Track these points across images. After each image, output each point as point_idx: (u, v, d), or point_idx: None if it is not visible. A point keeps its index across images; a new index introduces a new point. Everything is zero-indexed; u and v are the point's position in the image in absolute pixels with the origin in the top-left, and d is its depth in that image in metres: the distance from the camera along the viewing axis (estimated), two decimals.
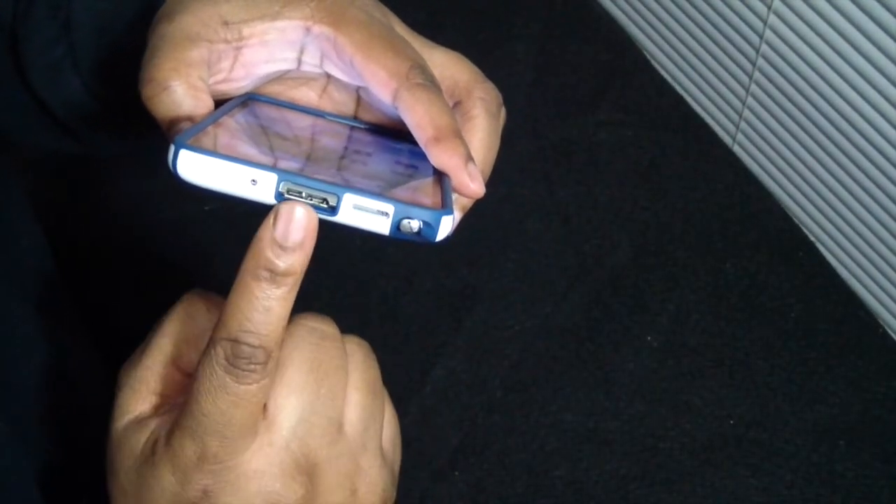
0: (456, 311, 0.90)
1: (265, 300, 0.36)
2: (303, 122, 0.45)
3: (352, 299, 0.90)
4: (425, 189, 0.39)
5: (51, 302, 0.61)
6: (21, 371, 0.56)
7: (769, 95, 0.97)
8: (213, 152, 0.36)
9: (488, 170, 0.45)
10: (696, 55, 1.05)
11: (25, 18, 0.51)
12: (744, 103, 1.01)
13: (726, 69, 1.01)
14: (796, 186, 1.00)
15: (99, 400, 0.44)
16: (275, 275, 0.36)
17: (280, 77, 0.47)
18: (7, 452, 0.52)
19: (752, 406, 0.85)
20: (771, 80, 0.96)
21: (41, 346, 0.58)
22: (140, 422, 0.40)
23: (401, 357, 0.87)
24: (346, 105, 0.48)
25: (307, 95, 0.47)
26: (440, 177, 0.41)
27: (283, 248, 0.36)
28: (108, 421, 0.41)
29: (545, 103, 1.02)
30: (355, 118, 0.48)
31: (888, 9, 0.81)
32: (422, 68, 0.42)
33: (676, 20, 1.05)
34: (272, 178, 0.36)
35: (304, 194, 0.36)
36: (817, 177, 0.97)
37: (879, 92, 0.86)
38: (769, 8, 0.92)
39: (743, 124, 1.03)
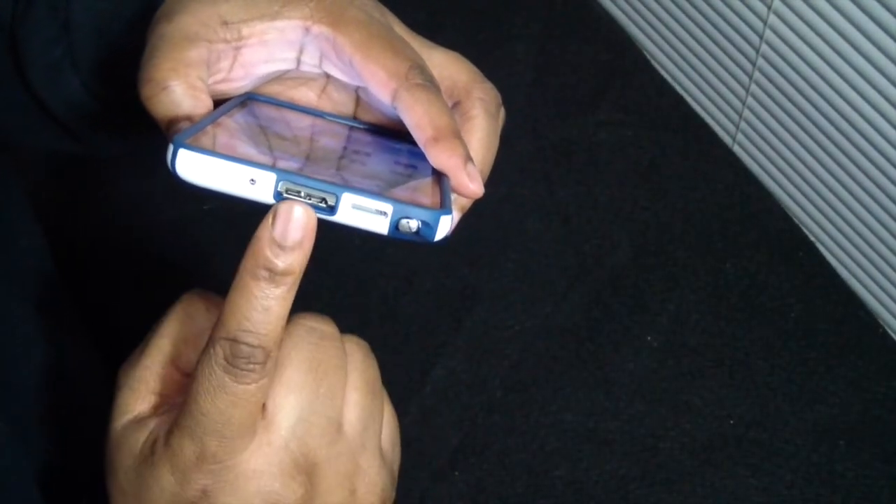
0: (456, 311, 0.90)
1: (264, 300, 0.36)
2: (302, 122, 0.45)
3: (352, 299, 0.90)
4: (424, 189, 0.39)
5: (50, 302, 0.62)
6: (21, 371, 0.56)
7: (769, 95, 0.97)
8: (212, 152, 0.36)
9: (487, 170, 0.45)
10: (696, 55, 1.05)
11: (25, 18, 0.51)
12: (744, 103, 1.01)
13: (726, 69, 1.01)
14: (796, 186, 1.00)
15: (98, 400, 0.44)
16: (274, 274, 0.36)
17: (279, 77, 0.47)
18: (7, 452, 0.52)
19: (752, 406, 0.85)
20: (771, 80, 0.96)
21: (41, 346, 0.58)
22: (139, 421, 0.40)
23: (401, 357, 0.87)
24: (345, 105, 0.48)
25: (306, 95, 0.47)
26: (439, 177, 0.41)
27: (281, 247, 0.36)
28: (107, 421, 0.41)
29: (545, 103, 1.02)
30: (354, 118, 0.48)
31: (888, 9, 0.81)
32: (421, 68, 0.42)
33: (676, 20, 1.05)
34: (271, 177, 0.36)
35: (302, 194, 0.36)
36: (817, 177, 0.97)
37: (879, 92, 0.86)
38: (769, 8, 0.92)
39: (743, 124, 1.03)
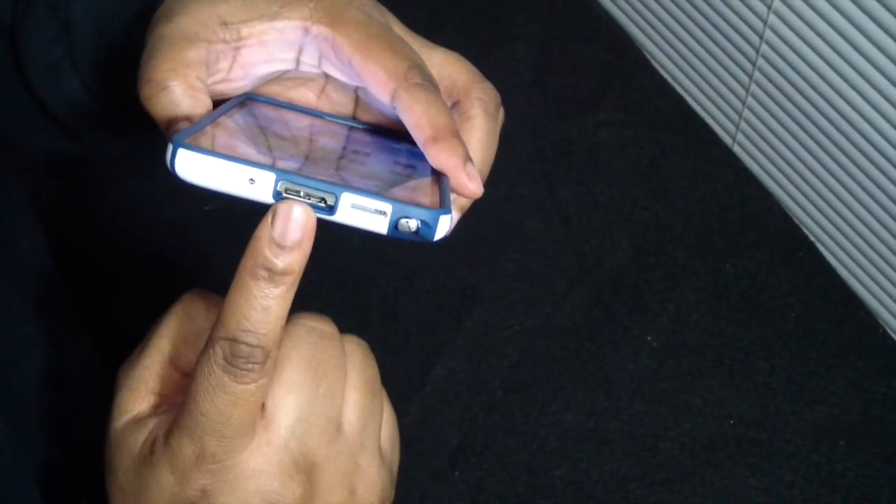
0: (456, 311, 0.90)
1: (263, 299, 0.36)
2: (301, 123, 0.45)
3: (351, 299, 0.90)
4: (423, 189, 0.39)
5: (50, 302, 0.62)
6: (21, 371, 0.56)
7: (769, 95, 0.97)
8: (211, 151, 0.36)
9: (487, 170, 0.45)
10: (696, 55, 1.05)
11: (25, 19, 0.51)
12: (744, 103, 1.01)
13: (726, 69, 1.01)
14: (796, 186, 1.00)
15: (98, 400, 0.44)
16: (273, 274, 0.36)
17: (278, 77, 0.47)
18: (7, 452, 0.52)
19: (752, 406, 0.85)
20: (771, 80, 0.96)
21: (40, 346, 0.58)
22: (139, 421, 0.40)
23: (401, 357, 0.87)
24: (344, 105, 0.48)
25: (305, 96, 0.47)
26: (438, 177, 0.41)
27: (281, 247, 0.36)
28: (106, 421, 0.41)
29: (545, 103, 1.02)
30: (353, 118, 0.48)
31: (888, 9, 0.81)
32: (420, 68, 0.42)
33: (676, 20, 1.05)
34: (270, 177, 0.36)
35: (302, 193, 0.36)
36: (817, 177, 0.97)
37: (879, 92, 0.86)
38: (769, 8, 0.92)
39: (743, 124, 1.03)
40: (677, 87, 1.06)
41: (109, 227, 0.93)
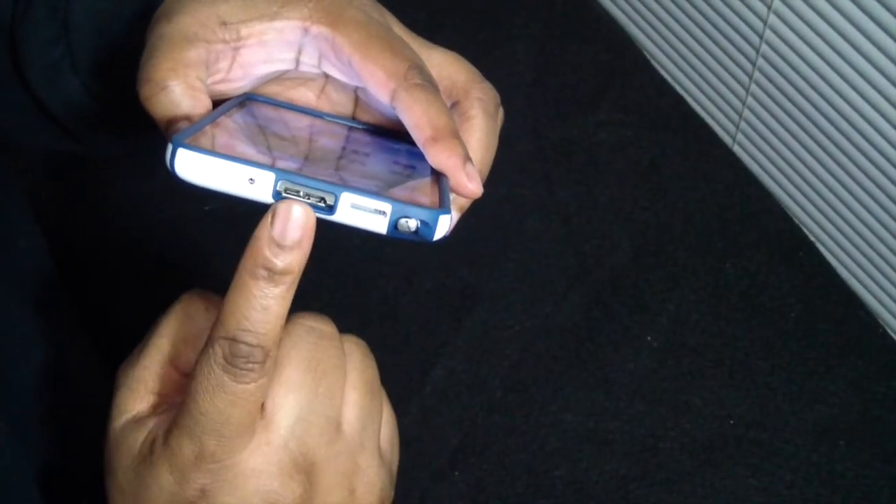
0: (456, 311, 0.90)
1: (263, 299, 0.36)
2: (301, 123, 0.45)
3: (351, 299, 0.90)
4: (423, 189, 0.39)
5: (49, 302, 0.62)
6: (20, 371, 0.57)
7: (769, 95, 0.97)
8: (211, 151, 0.36)
9: (486, 170, 0.45)
10: (696, 55, 1.05)
11: (24, 19, 0.51)
12: (744, 103, 1.01)
13: (726, 69, 1.01)
14: (796, 186, 1.00)
15: (98, 400, 0.44)
16: (273, 273, 0.36)
17: (278, 77, 0.47)
18: (7, 452, 0.52)
19: (752, 406, 0.85)
20: (771, 80, 0.96)
21: (40, 347, 0.58)
22: (138, 421, 0.40)
23: (401, 357, 0.87)
24: (344, 105, 0.48)
25: (305, 96, 0.47)
26: (438, 177, 0.41)
27: (280, 246, 0.36)
28: (106, 420, 0.41)
29: (545, 103, 1.02)
30: (353, 118, 0.48)
31: (888, 9, 0.81)
32: (420, 68, 0.42)
33: (676, 20, 1.05)
34: (270, 176, 0.36)
35: (301, 193, 0.36)
36: (817, 177, 0.97)
37: (879, 92, 0.86)
38: (769, 8, 0.92)
39: (743, 124, 1.03)
40: (677, 87, 1.06)
41: (109, 227, 0.93)
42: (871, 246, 0.95)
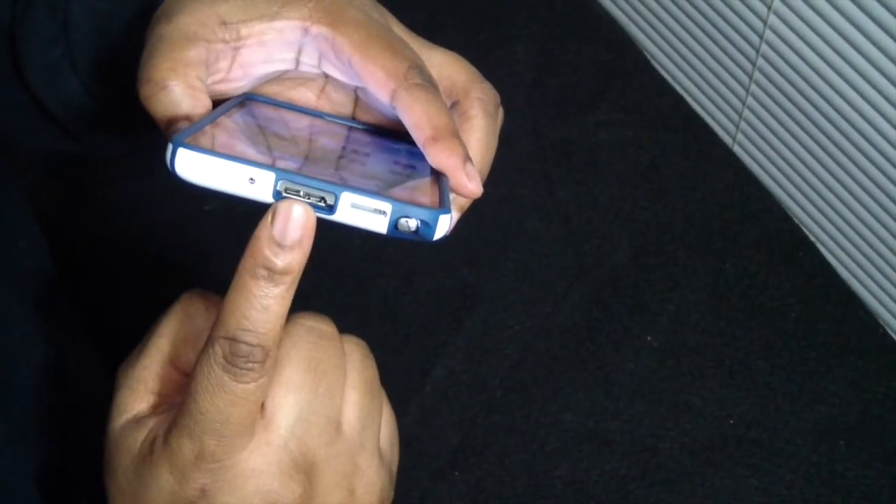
0: (456, 311, 0.90)
1: (263, 298, 0.36)
2: (301, 123, 0.45)
3: (351, 299, 0.90)
4: (423, 188, 0.39)
5: (49, 302, 0.61)
6: (20, 371, 0.56)
7: (769, 95, 0.97)
8: (211, 151, 0.36)
9: (486, 170, 0.45)
10: (696, 55, 1.05)
11: (24, 19, 0.51)
12: (744, 103, 1.01)
13: (726, 69, 1.01)
14: (796, 186, 1.00)
15: (97, 399, 0.44)
16: (273, 273, 0.36)
17: (278, 77, 0.47)
18: (6, 452, 0.52)
19: (752, 406, 0.85)
20: (771, 80, 0.96)
21: (40, 346, 0.58)
22: (138, 421, 0.40)
23: (401, 357, 0.87)
24: (343, 105, 0.48)
25: (305, 96, 0.47)
26: (438, 176, 0.41)
27: (281, 246, 0.36)
28: (106, 420, 0.41)
29: (545, 103, 1.02)
30: (353, 118, 0.48)
31: (888, 9, 0.81)
32: (420, 68, 0.42)
33: (676, 20, 1.05)
34: (270, 176, 0.36)
35: (302, 193, 0.36)
36: (817, 177, 0.97)
37: (879, 92, 0.86)
38: (769, 8, 0.92)
39: (743, 124, 1.03)
40: (677, 87, 1.06)
41: (109, 227, 0.93)
42: (871, 246, 0.95)
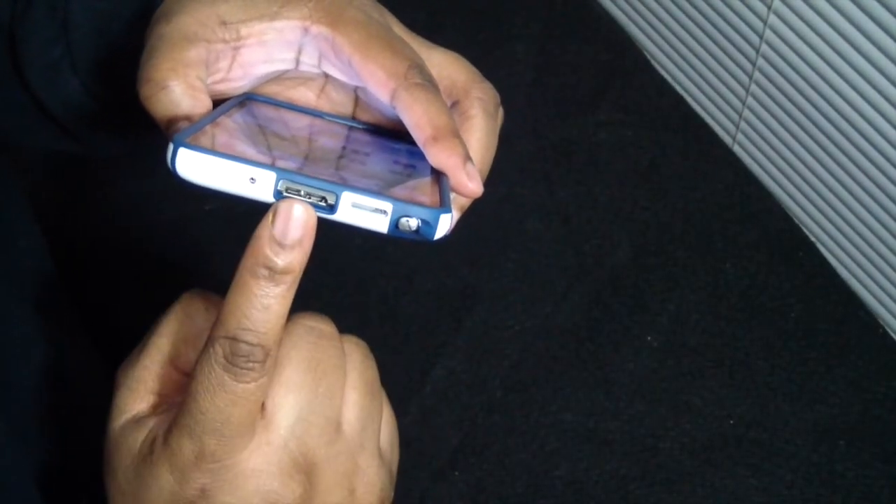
0: (456, 311, 0.90)
1: (264, 298, 0.36)
2: (301, 123, 0.45)
3: (351, 299, 0.90)
4: (423, 188, 0.39)
5: (49, 302, 0.61)
6: (20, 371, 0.56)
7: (769, 95, 0.97)
8: (211, 151, 0.36)
9: (486, 169, 0.45)
10: (696, 55, 1.05)
11: (24, 19, 0.51)
12: (744, 103, 1.01)
13: (726, 69, 1.01)
14: (796, 186, 1.00)
15: (97, 399, 0.44)
16: (273, 273, 0.36)
17: (278, 77, 0.47)
18: (6, 452, 0.52)
19: (752, 406, 0.85)
20: (771, 80, 0.96)
21: (40, 346, 0.58)
22: (138, 421, 0.40)
23: (401, 357, 0.87)
24: (344, 105, 0.48)
25: (305, 95, 0.47)
26: (438, 176, 0.41)
27: (281, 245, 0.36)
28: (106, 420, 0.41)
29: (545, 103, 1.02)
30: (353, 118, 0.48)
31: (888, 9, 0.81)
32: (420, 68, 0.42)
33: (676, 20, 1.05)
34: (271, 176, 0.36)
35: (302, 192, 0.36)
36: (817, 177, 0.97)
37: (879, 92, 0.86)
38: (769, 8, 0.92)
39: (743, 124, 1.03)
40: (677, 87, 1.07)
41: (109, 227, 0.93)
42: (871, 246, 0.95)
